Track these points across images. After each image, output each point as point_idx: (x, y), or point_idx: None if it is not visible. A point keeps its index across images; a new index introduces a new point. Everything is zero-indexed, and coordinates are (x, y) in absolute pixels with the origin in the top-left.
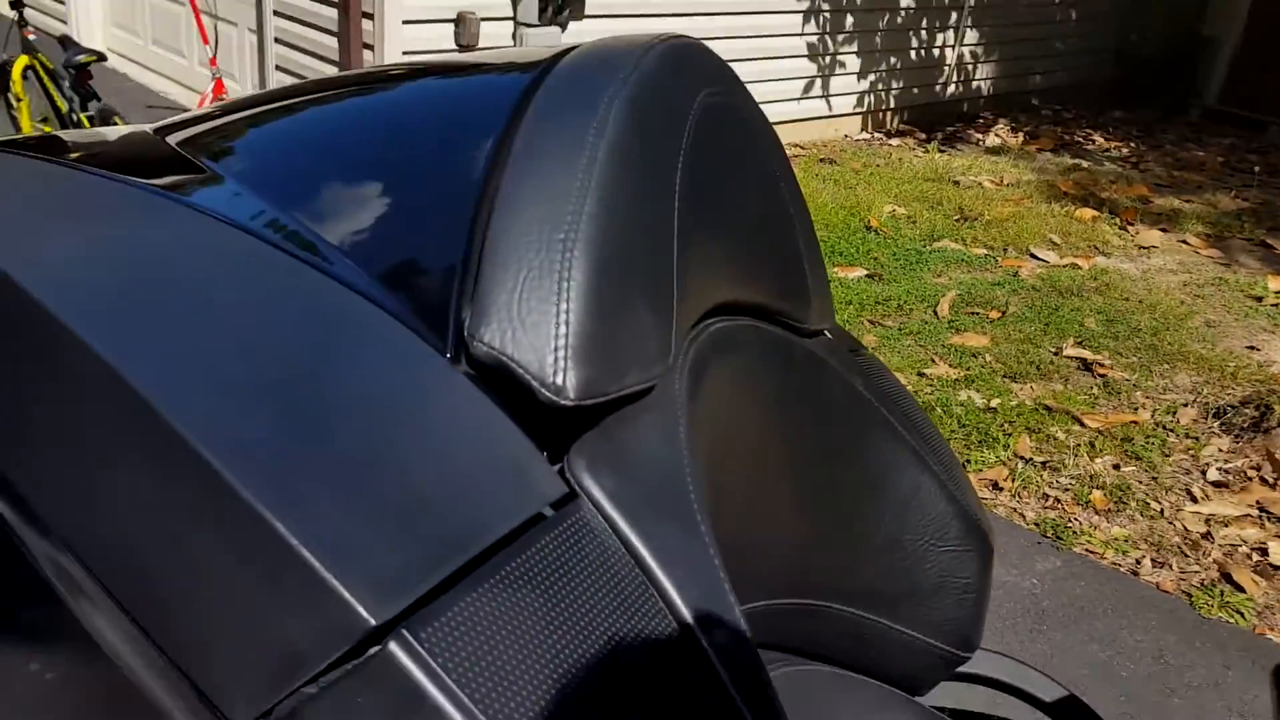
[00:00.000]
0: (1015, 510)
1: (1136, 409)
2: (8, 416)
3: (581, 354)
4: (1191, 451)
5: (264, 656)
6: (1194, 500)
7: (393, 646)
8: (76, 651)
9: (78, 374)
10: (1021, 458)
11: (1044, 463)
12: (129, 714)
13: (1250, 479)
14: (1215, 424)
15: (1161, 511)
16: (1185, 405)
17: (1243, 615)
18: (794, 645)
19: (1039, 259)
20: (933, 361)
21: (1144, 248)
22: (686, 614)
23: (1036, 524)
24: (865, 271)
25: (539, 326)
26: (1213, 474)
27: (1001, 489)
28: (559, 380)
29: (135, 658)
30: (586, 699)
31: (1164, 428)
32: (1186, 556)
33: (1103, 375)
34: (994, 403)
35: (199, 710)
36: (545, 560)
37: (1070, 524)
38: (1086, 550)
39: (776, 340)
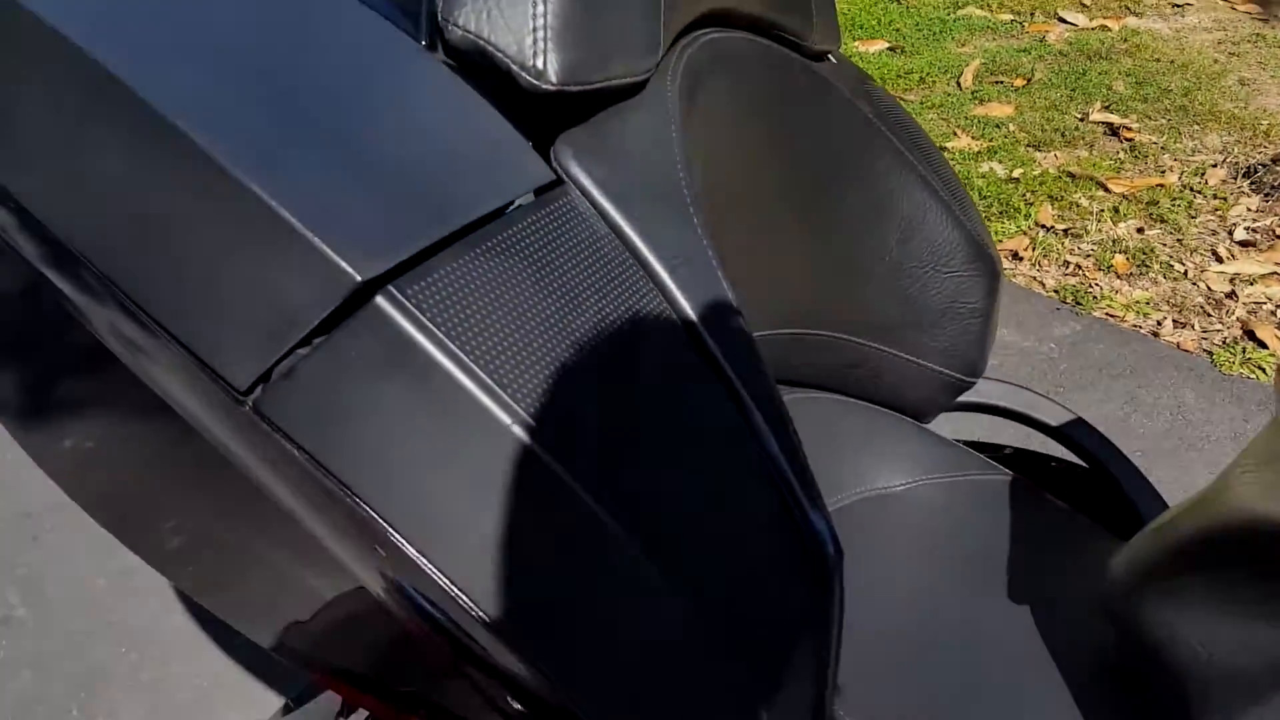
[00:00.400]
0: (1035, 279)
1: (1164, 172)
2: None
3: (562, 37)
4: (1219, 212)
5: (258, 320)
6: (1219, 260)
7: (380, 300)
8: (80, 352)
9: (59, 68)
10: (1043, 226)
11: (1066, 230)
12: (130, 397)
13: (1279, 237)
14: (1245, 183)
15: (1185, 273)
16: (1214, 166)
17: (1264, 371)
18: (797, 378)
19: (1067, 22)
20: (955, 134)
21: (1177, 5)
22: (680, 298)
23: (1056, 291)
24: (886, 44)
25: (515, 6)
26: (1240, 233)
27: (1021, 258)
28: (539, 64)
29: (137, 343)
30: (578, 363)
31: (1191, 189)
32: (1209, 316)
33: (1129, 139)
34: (1016, 173)
35: (203, 383)
36: (533, 236)
37: (1090, 289)
38: (1107, 314)
39: (777, 56)
